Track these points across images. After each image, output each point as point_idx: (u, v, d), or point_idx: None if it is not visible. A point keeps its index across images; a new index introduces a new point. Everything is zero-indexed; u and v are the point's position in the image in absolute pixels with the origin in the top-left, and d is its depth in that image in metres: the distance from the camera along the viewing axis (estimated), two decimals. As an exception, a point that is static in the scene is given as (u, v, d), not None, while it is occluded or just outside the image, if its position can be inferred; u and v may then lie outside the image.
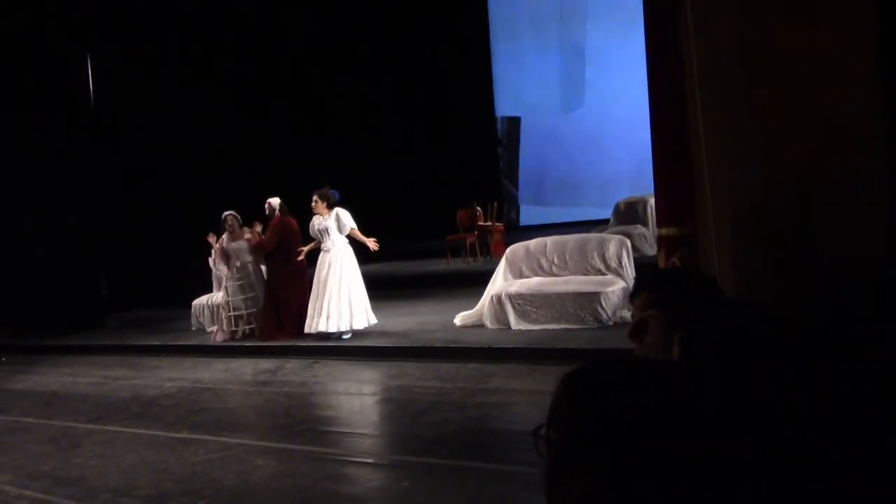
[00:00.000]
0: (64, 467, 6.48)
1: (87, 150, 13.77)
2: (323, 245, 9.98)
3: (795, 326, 1.33)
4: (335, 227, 9.91)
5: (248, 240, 10.89)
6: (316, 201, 9.95)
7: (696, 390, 1.06)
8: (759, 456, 1.15)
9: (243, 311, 10.88)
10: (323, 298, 9.79)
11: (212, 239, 11.13)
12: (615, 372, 1.08)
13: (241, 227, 11.03)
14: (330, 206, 9.98)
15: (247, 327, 10.88)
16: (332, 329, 9.80)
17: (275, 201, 10.61)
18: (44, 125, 13.46)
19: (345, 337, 9.90)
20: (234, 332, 10.87)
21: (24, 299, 13.39)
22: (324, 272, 9.86)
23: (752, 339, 1.30)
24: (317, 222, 10.00)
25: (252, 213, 11.29)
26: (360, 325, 9.93)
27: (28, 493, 5.94)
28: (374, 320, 10.07)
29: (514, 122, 18.71)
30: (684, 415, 1.02)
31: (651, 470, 0.98)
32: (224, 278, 11.00)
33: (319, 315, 9.80)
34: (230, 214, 10.98)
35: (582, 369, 1.09)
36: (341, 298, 9.79)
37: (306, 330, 9.95)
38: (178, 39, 14.33)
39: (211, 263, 11.69)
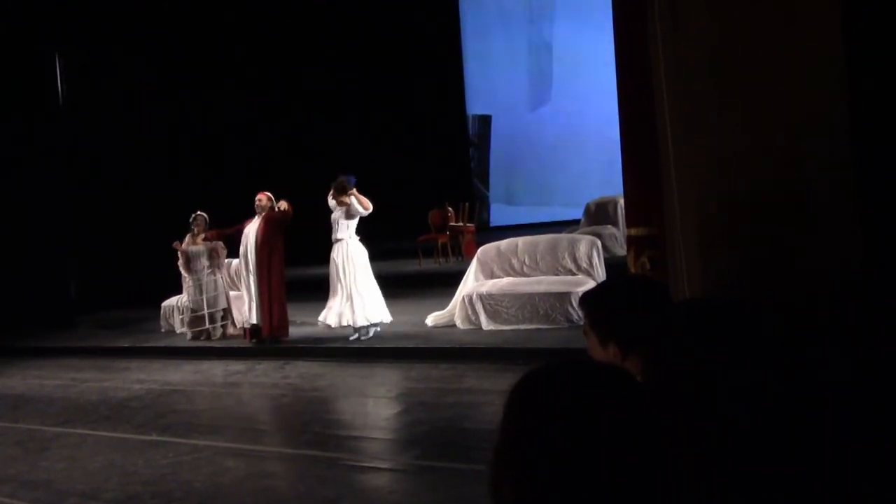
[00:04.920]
0: (31, 471, 6.40)
1: (55, 148, 13.60)
2: (333, 235, 9.68)
3: (758, 324, 1.33)
4: (343, 216, 9.57)
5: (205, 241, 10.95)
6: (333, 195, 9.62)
7: (629, 393, 1.09)
8: (709, 456, 1.16)
9: (203, 312, 10.92)
10: (346, 293, 9.53)
11: (177, 245, 11.05)
12: (554, 381, 1.13)
13: (206, 229, 11.00)
14: (344, 194, 9.57)
15: (219, 327, 10.90)
16: (362, 323, 9.55)
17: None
18: (11, 123, 13.29)
19: (371, 332, 9.67)
20: (199, 333, 10.86)
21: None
22: (339, 265, 9.57)
23: (708, 338, 1.31)
24: (335, 214, 9.69)
25: (222, 212, 11.22)
26: (384, 318, 9.74)
27: (-6, 497, 5.87)
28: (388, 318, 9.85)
29: (485, 121, 18.70)
30: (615, 419, 1.06)
31: (578, 472, 1.01)
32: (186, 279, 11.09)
33: (340, 309, 9.55)
34: (198, 215, 10.99)
35: (524, 380, 1.14)
36: (361, 294, 9.53)
37: (334, 323, 9.60)
38: (150, 38, 14.19)
39: (180, 267, 11.63)
